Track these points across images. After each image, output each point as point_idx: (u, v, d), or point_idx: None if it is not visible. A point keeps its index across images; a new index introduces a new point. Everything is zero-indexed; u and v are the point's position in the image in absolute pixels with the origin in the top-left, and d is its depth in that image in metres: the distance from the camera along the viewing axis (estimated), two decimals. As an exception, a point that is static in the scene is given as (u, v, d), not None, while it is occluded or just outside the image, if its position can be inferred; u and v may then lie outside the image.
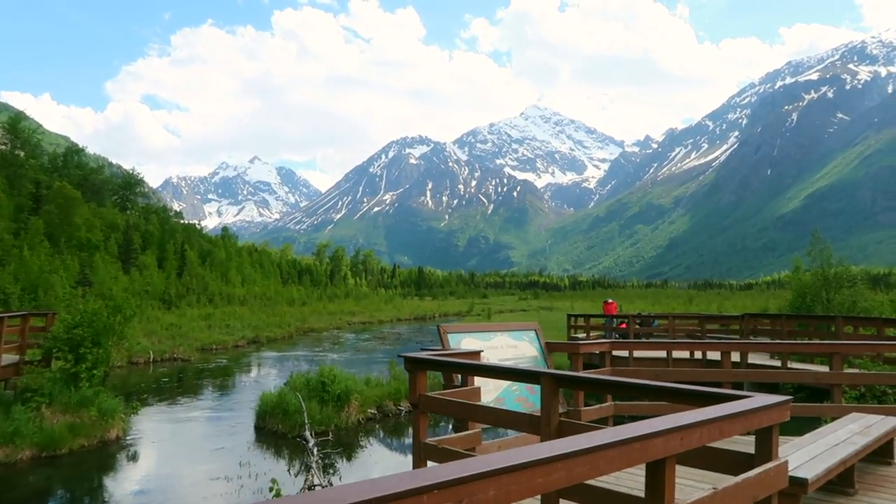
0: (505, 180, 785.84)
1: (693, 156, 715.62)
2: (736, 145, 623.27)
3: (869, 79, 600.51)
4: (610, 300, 21.90)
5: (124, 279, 52.05)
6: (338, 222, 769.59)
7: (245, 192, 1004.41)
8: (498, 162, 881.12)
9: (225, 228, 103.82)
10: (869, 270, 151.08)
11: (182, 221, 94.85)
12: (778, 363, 13.32)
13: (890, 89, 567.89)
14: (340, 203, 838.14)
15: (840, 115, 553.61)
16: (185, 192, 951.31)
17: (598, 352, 6.80)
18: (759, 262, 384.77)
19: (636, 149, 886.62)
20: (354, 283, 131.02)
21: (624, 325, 19.03)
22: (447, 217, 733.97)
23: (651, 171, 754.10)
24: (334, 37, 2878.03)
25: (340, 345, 34.96)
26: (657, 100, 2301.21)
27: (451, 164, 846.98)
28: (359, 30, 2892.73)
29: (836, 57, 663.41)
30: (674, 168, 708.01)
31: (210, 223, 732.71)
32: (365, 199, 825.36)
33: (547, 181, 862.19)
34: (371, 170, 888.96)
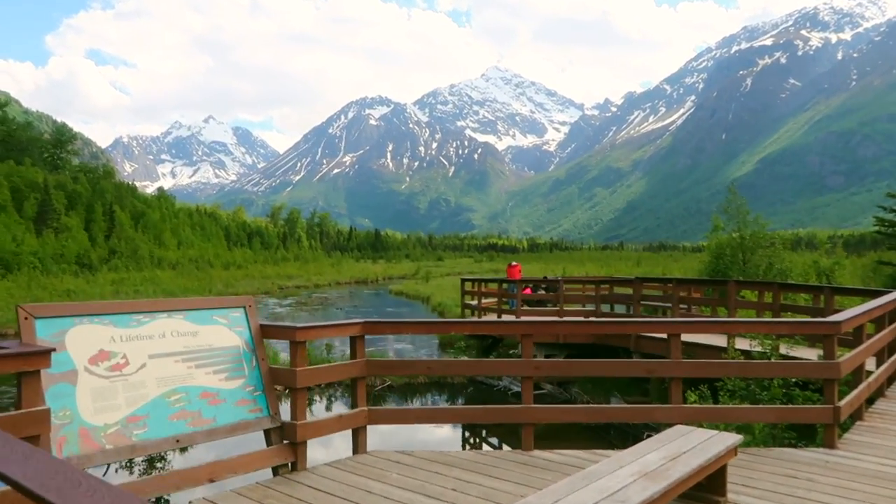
0: (466, 142, 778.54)
1: (651, 119, 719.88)
2: (692, 109, 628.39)
3: (820, 45, 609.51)
4: (514, 263, 20.07)
5: (33, 242, 48.31)
6: (297, 184, 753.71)
7: (200, 153, 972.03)
8: (459, 124, 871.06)
9: (161, 189, 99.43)
10: (815, 233, 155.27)
11: (115, 181, 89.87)
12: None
13: (840, 56, 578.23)
14: (299, 164, 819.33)
15: (792, 81, 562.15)
16: (136, 152, 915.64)
17: (350, 336, 4.76)
18: (712, 225, 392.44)
19: (596, 112, 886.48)
20: (309, 245, 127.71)
21: (528, 291, 17.24)
22: (408, 179, 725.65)
23: (610, 134, 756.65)
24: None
25: (254, 311, 32.57)
26: (615, 62, 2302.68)
27: (411, 125, 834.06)
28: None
29: (790, 23, 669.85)
30: (632, 131, 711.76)
31: (165, 184, 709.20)
32: (324, 161, 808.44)
33: (508, 143, 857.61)
34: (330, 131, 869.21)
